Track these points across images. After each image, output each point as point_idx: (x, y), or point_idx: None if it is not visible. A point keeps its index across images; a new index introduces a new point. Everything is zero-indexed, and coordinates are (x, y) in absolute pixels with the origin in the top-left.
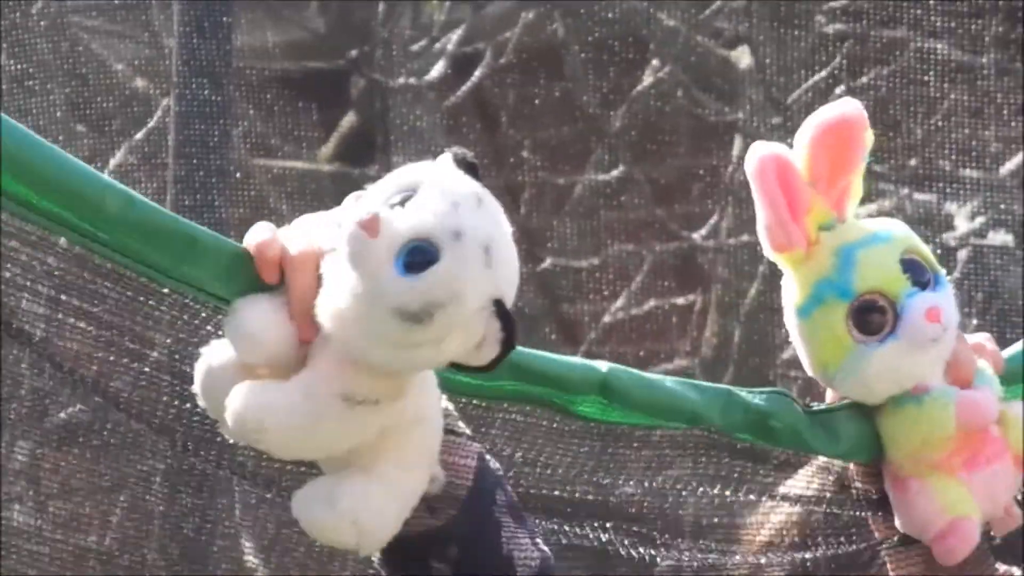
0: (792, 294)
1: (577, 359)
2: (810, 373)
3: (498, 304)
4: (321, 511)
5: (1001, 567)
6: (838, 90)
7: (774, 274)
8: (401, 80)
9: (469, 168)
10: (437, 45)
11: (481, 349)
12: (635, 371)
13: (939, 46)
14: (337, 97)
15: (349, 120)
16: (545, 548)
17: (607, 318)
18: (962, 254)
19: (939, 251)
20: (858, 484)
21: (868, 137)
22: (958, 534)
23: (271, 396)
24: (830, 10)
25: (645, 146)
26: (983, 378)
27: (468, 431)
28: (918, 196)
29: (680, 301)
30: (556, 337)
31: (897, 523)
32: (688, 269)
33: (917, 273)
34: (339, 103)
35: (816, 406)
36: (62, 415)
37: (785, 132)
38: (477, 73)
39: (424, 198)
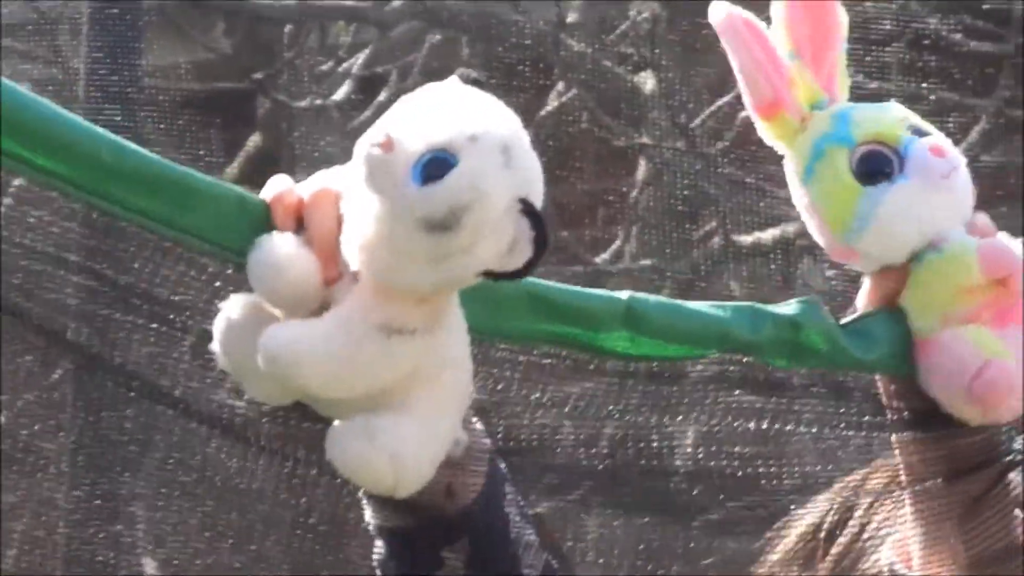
0: (794, 168)
1: (598, 291)
2: (827, 246)
3: (525, 203)
4: (358, 444)
5: (1020, 513)
6: (743, 115)
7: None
8: (306, 102)
9: (477, 86)
10: (343, 67)
11: (513, 252)
12: (659, 297)
13: (848, 72)
14: (243, 118)
15: (255, 141)
16: (546, 554)
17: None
18: (866, 278)
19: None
20: (893, 403)
21: (842, 13)
22: (997, 367)
23: (306, 330)
24: None
25: (551, 170)
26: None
27: (480, 425)
28: None
29: None
30: None
31: (935, 391)
32: None
33: (917, 130)
34: (245, 124)
35: (846, 319)
36: None
37: (692, 157)
38: (382, 95)
39: (436, 111)
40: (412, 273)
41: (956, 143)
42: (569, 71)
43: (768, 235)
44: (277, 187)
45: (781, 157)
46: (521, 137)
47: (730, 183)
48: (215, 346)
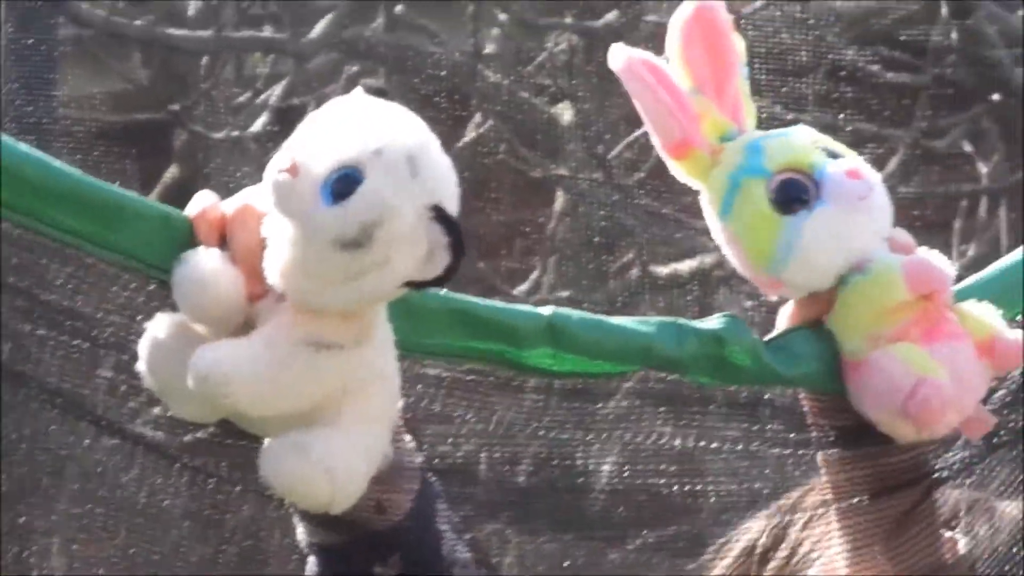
0: (710, 203)
1: (523, 306)
2: (751, 276)
3: (437, 210)
4: (294, 460)
5: (947, 532)
6: None
7: None
8: (223, 133)
9: (382, 96)
10: (260, 98)
11: (432, 260)
12: (583, 312)
13: (763, 103)
14: (160, 149)
15: (172, 172)
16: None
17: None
18: (789, 309)
19: (756, 306)
20: (819, 421)
21: (738, 40)
22: (930, 385)
23: (235, 349)
24: None
25: (468, 201)
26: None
27: (412, 440)
28: None
29: None
30: None
31: (868, 411)
32: None
33: (831, 153)
34: (162, 155)
35: (769, 336)
36: None
37: (609, 188)
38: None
39: (340, 127)
40: (333, 294)
41: None
42: (486, 102)
43: (685, 266)
44: (201, 203)
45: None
46: (428, 144)
47: (647, 214)
48: (140, 365)
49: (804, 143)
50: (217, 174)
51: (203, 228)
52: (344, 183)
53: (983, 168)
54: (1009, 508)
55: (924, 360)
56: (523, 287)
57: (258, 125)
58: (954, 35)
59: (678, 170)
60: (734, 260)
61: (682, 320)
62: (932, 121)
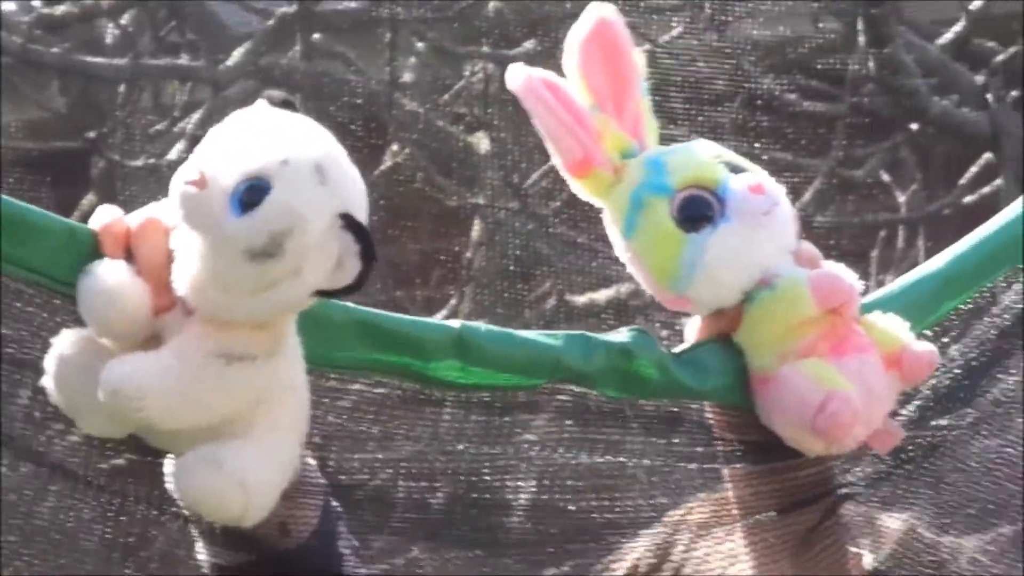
0: (613, 221)
1: (430, 319)
2: (656, 295)
3: (346, 218)
4: (207, 473)
5: (853, 548)
6: None
7: None
8: (140, 161)
9: (287, 106)
10: (177, 127)
11: (342, 268)
12: (491, 326)
13: (680, 132)
14: (77, 177)
15: (89, 200)
16: None
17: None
18: None
19: (673, 336)
20: (726, 435)
21: (638, 55)
22: (839, 399)
23: (146, 362)
24: None
25: (384, 230)
26: (834, 268)
27: (312, 460)
28: None
29: None
30: None
31: (777, 427)
32: None
33: (734, 166)
34: (79, 183)
35: (678, 348)
36: None
37: (525, 217)
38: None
39: (246, 138)
40: (244, 306)
41: (791, 203)
42: (402, 130)
43: (601, 295)
44: (105, 217)
45: None
46: (334, 153)
47: (563, 243)
48: (47, 381)
49: (706, 158)
50: (133, 202)
51: (108, 241)
52: (252, 194)
53: (901, 197)
54: (891, 522)
55: (832, 375)
56: (440, 316)
57: (175, 153)
58: (871, 64)
59: (580, 189)
60: (639, 278)
61: (591, 334)
62: (850, 150)
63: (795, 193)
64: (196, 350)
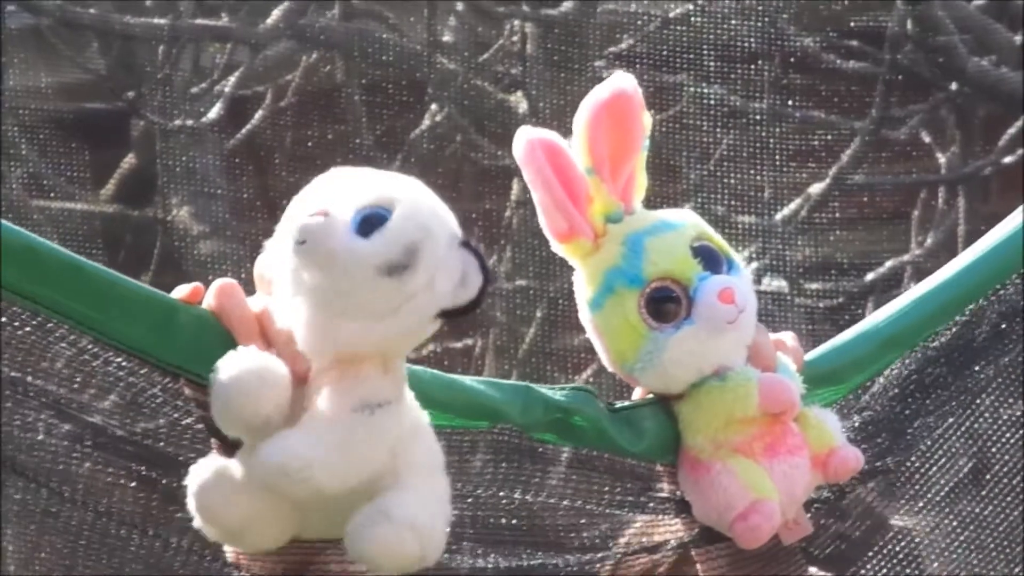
0: (583, 288)
1: None
2: (609, 368)
3: (462, 239)
4: (379, 527)
5: (812, 569)
6: None
7: (551, 318)
8: (178, 122)
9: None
10: (217, 87)
11: (465, 284)
12: (434, 371)
13: (714, 91)
14: (117, 138)
15: (129, 161)
16: None
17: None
18: None
19: None
20: (665, 485)
21: (646, 119)
22: (762, 513)
23: (299, 435)
24: (605, 55)
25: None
26: (785, 372)
27: None
28: None
29: (458, 345)
30: None
31: (695, 512)
32: None
33: (709, 259)
34: (119, 144)
35: (619, 404)
36: None
37: None
38: (260, 114)
39: (350, 182)
40: (379, 330)
41: (823, 161)
42: (441, 91)
43: None
44: (234, 306)
45: (654, 181)
46: (430, 195)
47: None
48: (197, 521)
49: (684, 251)
50: (173, 163)
51: (244, 330)
52: (369, 222)
53: (940, 157)
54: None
55: (762, 480)
56: None
57: (214, 113)
58: (908, 22)
59: (559, 248)
60: (596, 344)
61: (533, 386)
62: (887, 110)
63: (829, 151)
64: (340, 408)
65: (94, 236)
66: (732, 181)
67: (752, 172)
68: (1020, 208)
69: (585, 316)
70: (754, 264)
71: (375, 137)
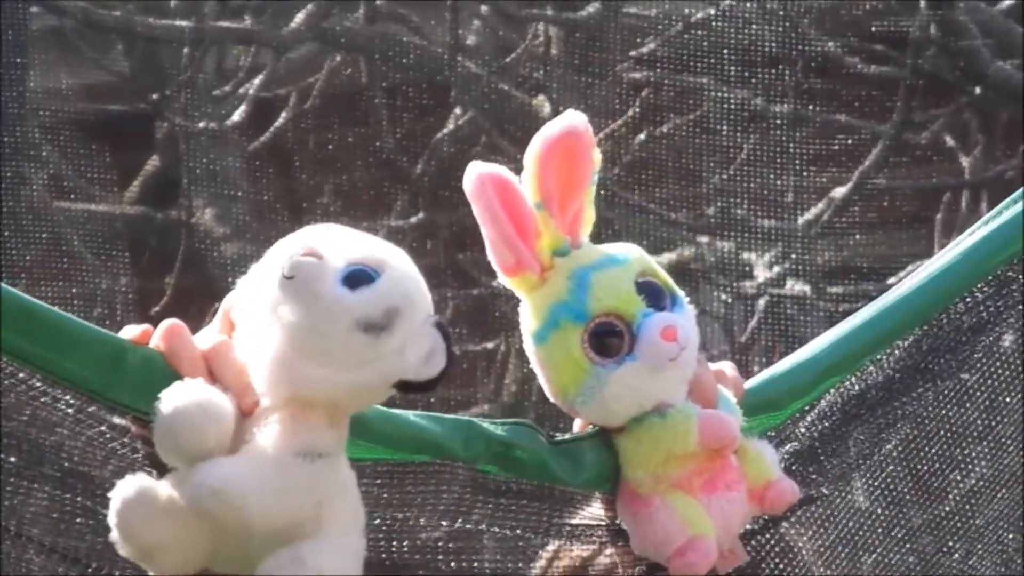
0: (528, 321)
1: None
2: (551, 399)
3: (436, 319)
4: (292, 572)
5: None
6: (641, 136)
7: None
8: (202, 124)
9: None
10: (240, 89)
11: (430, 362)
12: (377, 406)
13: (735, 94)
14: (140, 140)
15: (153, 163)
16: None
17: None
18: (760, 303)
19: (734, 300)
20: (604, 513)
21: (596, 155)
22: (698, 550)
23: (240, 464)
24: (628, 58)
25: (445, 192)
26: (725, 404)
27: None
28: (717, 244)
29: (479, 348)
30: None
31: (633, 544)
32: (488, 315)
33: (653, 295)
34: (142, 146)
35: (559, 437)
36: None
37: None
38: (283, 116)
39: (343, 235)
40: (343, 378)
41: (845, 165)
42: (465, 93)
43: (664, 259)
44: (177, 341)
45: (675, 185)
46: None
47: (625, 207)
48: (115, 535)
49: (628, 287)
50: (197, 165)
51: (187, 366)
52: (357, 277)
53: (963, 161)
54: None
55: (699, 517)
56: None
57: (238, 115)
58: (932, 27)
59: (506, 281)
60: (540, 377)
61: (476, 421)
62: (910, 114)
63: (851, 155)
64: (284, 449)
65: (116, 238)
66: (754, 185)
67: (774, 176)
68: (955, 240)
69: (529, 348)
70: (777, 268)
71: (397, 140)
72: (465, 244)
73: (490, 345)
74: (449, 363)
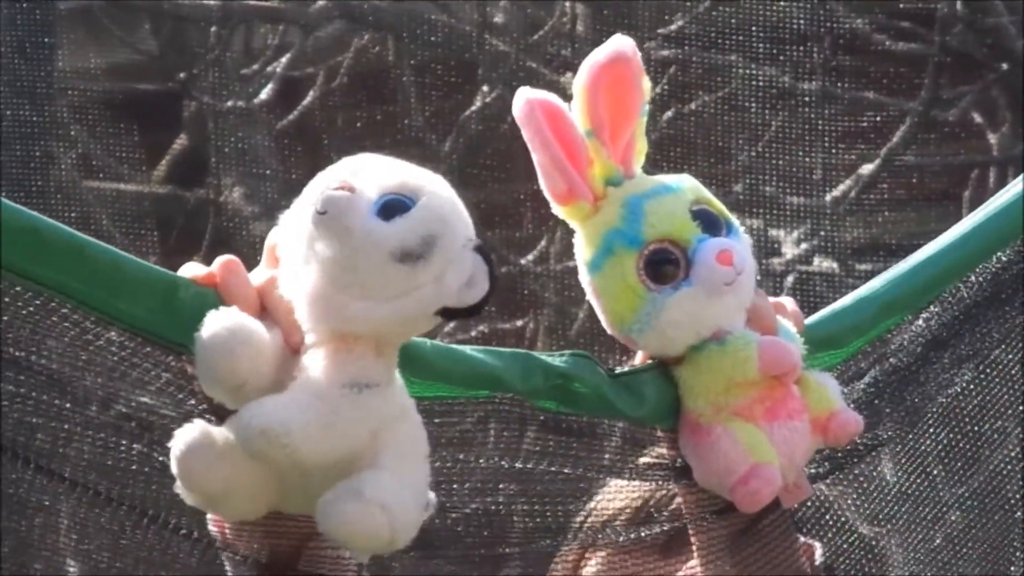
0: (582, 250)
1: None
2: (608, 330)
3: (476, 242)
4: (349, 504)
5: (802, 538)
6: (669, 113)
7: None
8: (230, 103)
9: None
10: (268, 68)
11: (472, 286)
12: (435, 342)
13: (763, 72)
14: (168, 119)
15: (181, 142)
16: None
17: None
18: (788, 280)
19: (762, 277)
20: (664, 451)
21: (646, 83)
22: (762, 477)
23: (284, 401)
24: (656, 36)
25: (475, 170)
26: (786, 334)
27: None
28: (745, 222)
29: (508, 326)
30: None
31: (696, 477)
32: (517, 294)
33: (708, 222)
34: (170, 125)
35: (619, 369)
36: None
37: None
38: (311, 95)
39: (380, 165)
40: (382, 311)
41: (873, 142)
42: (494, 71)
43: None
44: (232, 276)
45: (704, 162)
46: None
47: None
48: (177, 485)
49: (683, 214)
50: (225, 144)
51: (241, 299)
52: (392, 207)
53: (992, 138)
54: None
55: (762, 444)
56: (530, 257)
57: (266, 95)
58: (959, 4)
59: (560, 212)
60: (595, 306)
61: (533, 353)
62: (940, 91)
63: (879, 132)
64: (330, 383)
65: (145, 217)
66: (782, 162)
67: (802, 153)
68: (1021, 176)
69: (584, 278)
70: (805, 245)
71: (425, 118)
72: (494, 222)
73: (519, 323)
74: (492, 287)
